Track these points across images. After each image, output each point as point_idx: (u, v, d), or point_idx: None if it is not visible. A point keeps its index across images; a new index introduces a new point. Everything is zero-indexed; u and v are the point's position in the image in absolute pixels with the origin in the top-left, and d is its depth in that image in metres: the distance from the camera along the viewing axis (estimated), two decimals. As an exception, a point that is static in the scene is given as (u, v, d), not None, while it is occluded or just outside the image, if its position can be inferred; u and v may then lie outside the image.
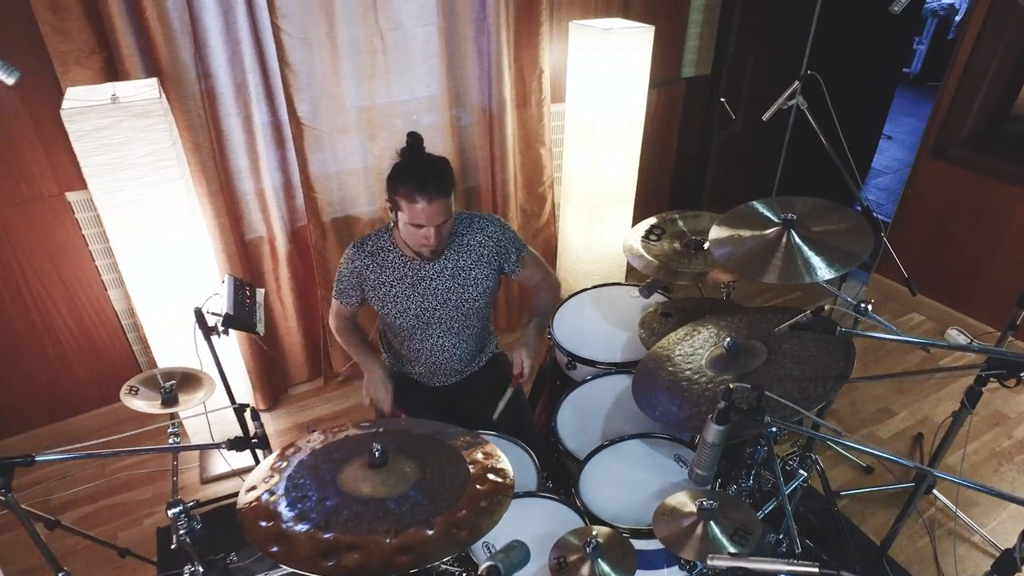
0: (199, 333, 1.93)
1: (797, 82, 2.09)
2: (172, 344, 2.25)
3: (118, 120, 1.78)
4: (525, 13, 2.67)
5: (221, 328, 1.94)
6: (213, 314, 1.93)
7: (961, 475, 2.52)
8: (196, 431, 2.56)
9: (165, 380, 1.63)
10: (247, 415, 1.44)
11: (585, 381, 2.07)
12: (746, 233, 1.97)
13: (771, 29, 3.38)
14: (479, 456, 1.30)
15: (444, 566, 1.53)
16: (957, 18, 6.43)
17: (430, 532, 1.10)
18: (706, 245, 2.20)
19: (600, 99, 2.70)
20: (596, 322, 2.32)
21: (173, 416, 1.64)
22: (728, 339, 1.68)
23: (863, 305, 1.61)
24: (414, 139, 1.73)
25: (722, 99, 3.32)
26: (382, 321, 2.04)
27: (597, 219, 2.98)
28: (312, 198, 2.59)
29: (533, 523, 1.50)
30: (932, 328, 3.40)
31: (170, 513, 1.25)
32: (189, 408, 1.61)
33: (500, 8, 2.55)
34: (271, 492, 1.17)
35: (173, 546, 1.32)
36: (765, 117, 2.19)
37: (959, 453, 2.61)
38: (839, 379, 1.51)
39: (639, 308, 2.34)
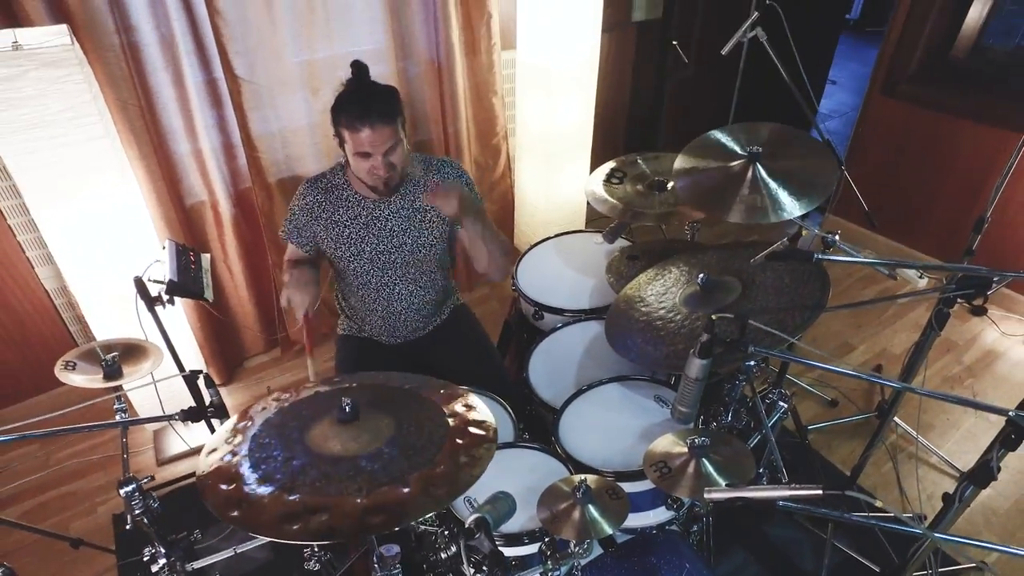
0: (142, 305, 1.79)
1: (756, 12, 2.04)
2: (113, 322, 2.09)
3: (24, 70, 1.59)
4: (470, -50, 2.53)
5: (165, 297, 1.81)
6: (155, 282, 1.79)
7: (920, 400, 2.61)
8: (146, 409, 2.41)
9: (106, 352, 1.49)
10: (201, 382, 1.33)
11: (554, 330, 2.01)
12: (711, 164, 1.93)
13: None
14: (458, 408, 1.23)
15: (425, 526, 1.47)
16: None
17: (405, 490, 1.02)
18: (669, 185, 2.17)
19: (552, 41, 2.59)
20: (560, 270, 2.27)
21: (118, 391, 1.50)
22: (701, 275, 1.65)
23: (831, 236, 1.60)
24: (358, 68, 1.64)
25: (674, 42, 3.25)
26: (336, 271, 1.94)
27: (554, 168, 2.90)
28: (255, 158, 2.43)
29: (515, 475, 1.45)
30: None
31: (122, 492, 1.14)
32: (135, 380, 1.48)
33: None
34: (233, 453, 1.07)
35: (128, 526, 1.21)
36: (724, 51, 2.13)
37: (918, 379, 2.69)
38: (816, 308, 1.49)
39: (604, 254, 2.29)
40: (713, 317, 1.26)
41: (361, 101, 1.61)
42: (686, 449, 1.26)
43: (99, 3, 1.90)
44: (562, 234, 2.44)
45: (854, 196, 2.39)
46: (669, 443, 1.32)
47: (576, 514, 1.19)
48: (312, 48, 2.42)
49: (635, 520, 1.47)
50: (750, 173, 1.85)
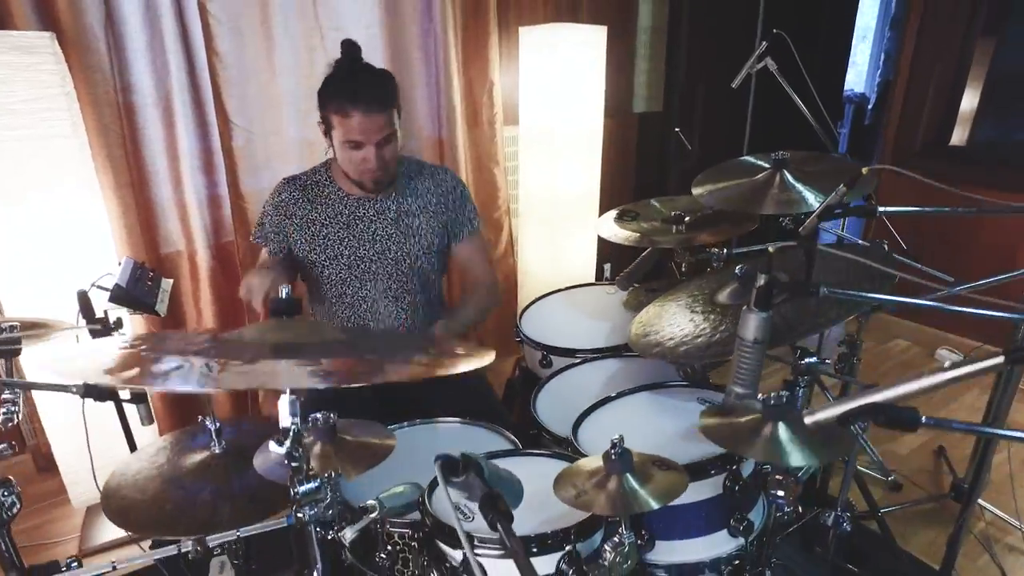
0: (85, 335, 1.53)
1: (764, 42, 2.00)
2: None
3: (-7, 50, 1.48)
4: (472, 19, 2.58)
5: (112, 318, 1.55)
6: (101, 288, 1.54)
7: (1013, 479, 2.17)
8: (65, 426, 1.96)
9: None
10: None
11: (566, 368, 1.71)
12: (735, 181, 1.77)
13: (719, 54, 3.41)
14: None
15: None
16: (869, 106, 6.99)
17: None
18: (687, 218, 1.98)
19: (556, 105, 2.55)
20: (571, 318, 2.01)
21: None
22: (739, 267, 1.40)
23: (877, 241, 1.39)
24: (350, 46, 1.52)
25: (676, 129, 3.27)
26: (309, 284, 1.71)
27: (560, 237, 2.74)
28: (241, 208, 2.28)
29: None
30: (920, 352, 3.19)
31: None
32: (37, 342, 1.16)
33: (447, 17, 2.45)
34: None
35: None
36: (735, 84, 2.08)
37: (1001, 455, 2.28)
38: (886, 276, 1.23)
39: (617, 301, 2.04)
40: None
41: (353, 83, 1.48)
42: (758, 412, 0.92)
43: (92, 19, 1.86)
44: (571, 287, 2.21)
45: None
46: (731, 414, 0.98)
47: (612, 484, 0.83)
48: (311, 100, 2.36)
49: (679, 552, 1.08)
50: (778, 178, 1.68)
